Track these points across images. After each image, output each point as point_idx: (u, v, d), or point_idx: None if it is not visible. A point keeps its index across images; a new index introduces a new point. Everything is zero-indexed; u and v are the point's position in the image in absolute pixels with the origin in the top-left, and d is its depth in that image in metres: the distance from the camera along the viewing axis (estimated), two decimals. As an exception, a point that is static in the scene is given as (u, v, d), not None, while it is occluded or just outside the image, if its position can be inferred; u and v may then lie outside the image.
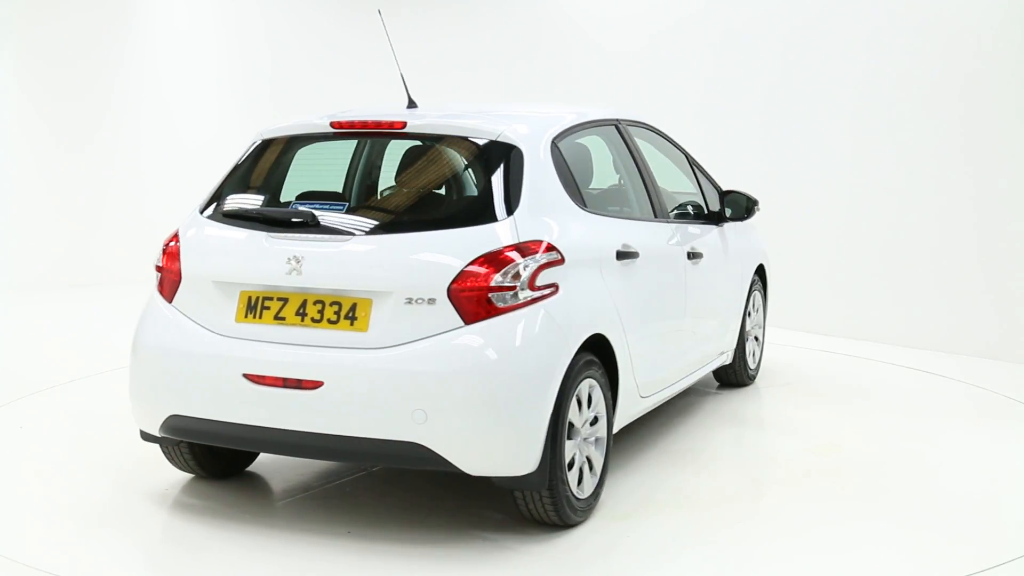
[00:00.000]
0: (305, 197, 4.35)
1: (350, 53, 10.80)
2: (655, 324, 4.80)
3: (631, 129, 5.21)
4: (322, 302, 3.92)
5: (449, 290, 3.77)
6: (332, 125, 4.32)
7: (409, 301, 3.79)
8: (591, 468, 4.22)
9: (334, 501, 4.49)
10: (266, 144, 4.54)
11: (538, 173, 4.13)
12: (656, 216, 5.05)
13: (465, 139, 4.22)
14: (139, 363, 4.24)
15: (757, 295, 6.40)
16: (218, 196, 4.44)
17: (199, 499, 4.50)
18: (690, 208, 5.63)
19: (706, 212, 5.67)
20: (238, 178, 4.49)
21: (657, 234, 4.98)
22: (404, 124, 4.23)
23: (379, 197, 4.46)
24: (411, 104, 4.76)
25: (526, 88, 9.71)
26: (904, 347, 7.56)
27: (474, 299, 3.76)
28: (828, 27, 8.07)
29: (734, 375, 6.28)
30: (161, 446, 4.49)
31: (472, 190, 4.20)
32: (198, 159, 10.77)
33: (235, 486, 4.67)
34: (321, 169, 4.88)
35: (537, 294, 3.86)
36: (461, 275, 3.78)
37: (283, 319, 3.97)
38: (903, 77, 7.67)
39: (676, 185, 5.88)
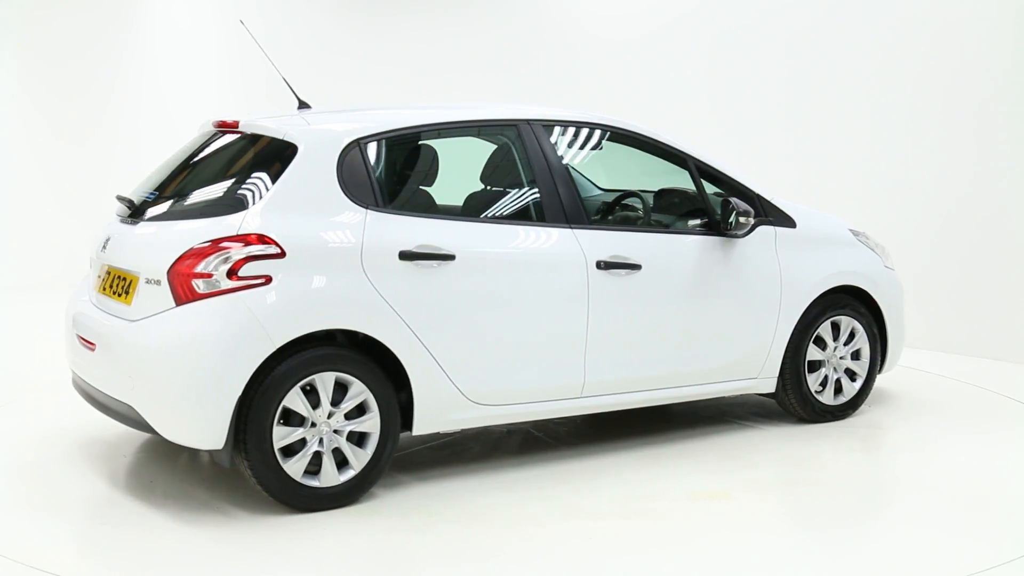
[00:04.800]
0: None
1: (349, 54, 10.80)
2: (499, 330, 4.64)
3: (556, 130, 5.02)
4: (119, 278, 4.48)
5: (168, 273, 4.18)
6: (214, 125, 4.84)
7: (148, 281, 4.27)
8: (343, 460, 4.34)
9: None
10: (199, 139, 4.98)
11: (306, 171, 4.36)
12: (557, 220, 4.79)
13: (261, 137, 4.60)
14: None
15: (846, 321, 5.59)
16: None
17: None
18: (688, 217, 5.32)
19: (708, 221, 5.25)
20: (158, 170, 4.94)
21: (526, 239, 4.72)
22: (237, 124, 4.72)
23: (174, 189, 4.71)
24: (302, 105, 5.12)
25: (529, 87, 9.68)
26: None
27: (181, 283, 4.15)
28: (840, 18, 7.90)
29: (792, 408, 5.56)
30: None
31: (239, 184, 4.47)
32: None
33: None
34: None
35: (239, 284, 4.11)
36: (177, 260, 4.17)
37: (105, 290, 4.59)
38: (909, 76, 7.52)
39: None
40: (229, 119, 4.79)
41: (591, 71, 9.37)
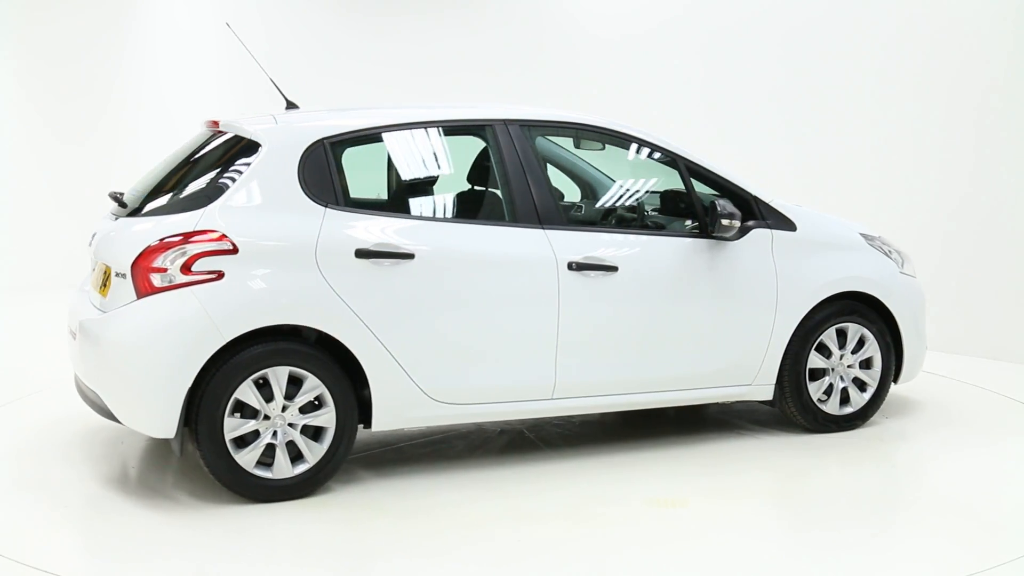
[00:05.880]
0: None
1: (349, 54, 10.79)
2: (460, 329, 4.62)
3: (536, 131, 4.99)
4: (103, 271, 4.58)
5: (131, 268, 4.30)
6: (206, 125, 4.95)
7: (117, 275, 4.40)
8: (299, 454, 4.41)
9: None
10: (193, 139, 5.05)
11: (267, 170, 4.46)
12: (529, 221, 4.74)
13: (235, 136, 4.70)
14: None
15: (854, 328, 5.36)
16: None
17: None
18: (687, 219, 5.16)
19: (695, 223, 5.11)
20: (151, 169, 5.02)
21: (492, 239, 4.69)
22: (217, 123, 4.84)
23: (158, 186, 4.77)
24: (290, 105, 5.21)
25: (528, 87, 9.65)
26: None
27: (141, 277, 4.27)
28: (840, 16, 7.85)
29: (793, 417, 5.36)
30: None
31: (209, 182, 4.59)
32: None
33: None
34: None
35: (192, 278, 4.23)
36: (139, 256, 4.28)
37: (94, 284, 4.70)
38: (910, 76, 7.47)
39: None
40: (217, 119, 4.89)
41: (591, 71, 9.33)
